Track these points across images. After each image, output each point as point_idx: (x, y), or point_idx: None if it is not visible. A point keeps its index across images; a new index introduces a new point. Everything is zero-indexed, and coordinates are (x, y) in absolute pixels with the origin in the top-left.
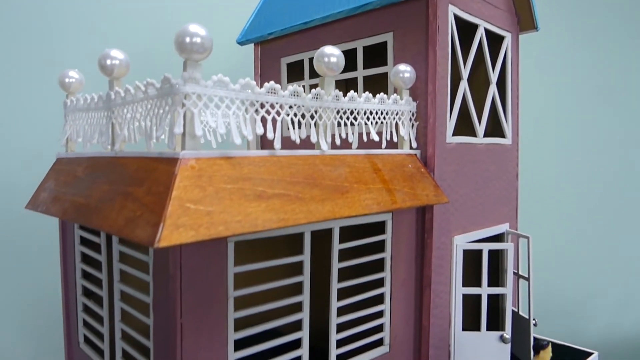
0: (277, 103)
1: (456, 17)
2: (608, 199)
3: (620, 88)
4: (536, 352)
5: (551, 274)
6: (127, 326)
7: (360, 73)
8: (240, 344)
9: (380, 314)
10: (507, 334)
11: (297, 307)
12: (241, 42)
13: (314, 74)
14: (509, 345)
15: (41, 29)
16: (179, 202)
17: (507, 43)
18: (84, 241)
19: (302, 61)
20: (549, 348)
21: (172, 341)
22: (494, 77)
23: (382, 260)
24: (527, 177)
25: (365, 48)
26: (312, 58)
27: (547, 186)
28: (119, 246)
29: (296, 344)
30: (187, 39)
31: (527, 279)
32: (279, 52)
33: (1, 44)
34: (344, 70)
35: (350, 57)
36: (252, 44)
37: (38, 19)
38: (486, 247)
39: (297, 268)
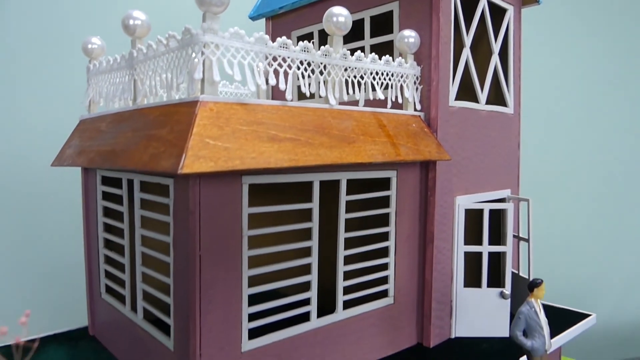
0: (288, 57)
1: None
2: (613, 184)
3: (626, 60)
4: (530, 290)
5: (557, 257)
6: (147, 268)
7: (368, 42)
8: (253, 281)
9: (385, 267)
10: (507, 290)
11: (307, 251)
12: (253, 17)
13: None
14: (508, 301)
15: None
16: (199, 138)
17: (509, 15)
18: (106, 196)
19: (311, 33)
20: (543, 285)
21: (192, 275)
22: (496, 47)
23: (387, 215)
24: (536, 159)
25: (372, 18)
26: (322, 30)
27: (552, 169)
28: (140, 194)
29: (306, 286)
30: None
31: (527, 241)
32: (289, 26)
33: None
34: (352, 40)
35: (357, 27)
36: (264, 19)
37: None
38: (487, 206)
39: (306, 215)
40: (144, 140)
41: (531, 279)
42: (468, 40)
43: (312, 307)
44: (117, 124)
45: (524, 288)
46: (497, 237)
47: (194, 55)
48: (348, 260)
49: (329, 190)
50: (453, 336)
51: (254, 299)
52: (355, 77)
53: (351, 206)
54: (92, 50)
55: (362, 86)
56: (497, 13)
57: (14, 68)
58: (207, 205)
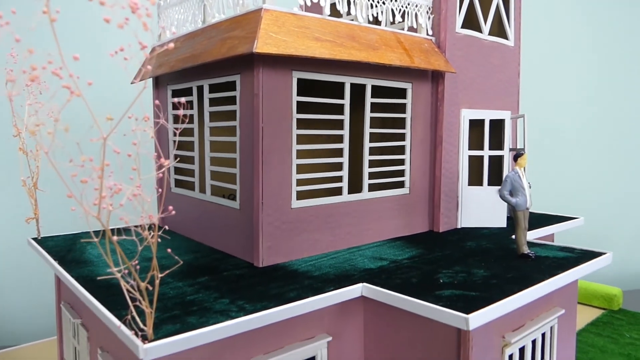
0: None
1: None
2: (621, 139)
3: None
4: (515, 160)
5: (568, 209)
6: (216, 153)
7: None
8: (299, 155)
9: (402, 162)
10: None
11: (339, 138)
12: None
13: None
14: None
15: None
16: (265, 32)
17: None
18: (175, 106)
19: None
20: (525, 156)
21: (256, 142)
22: None
23: (404, 119)
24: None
25: None
26: None
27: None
28: (210, 95)
29: (338, 166)
30: None
31: (523, 151)
32: None
33: None
34: None
35: None
36: None
37: None
38: (488, 116)
39: (339, 109)
40: (220, 42)
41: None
42: None
43: (344, 184)
44: (191, 40)
45: None
46: (497, 145)
47: None
48: (372, 151)
49: (358, 98)
50: (459, 226)
51: (300, 170)
52: (379, 1)
53: (375, 109)
54: None
55: (385, 10)
56: None
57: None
58: (267, 91)
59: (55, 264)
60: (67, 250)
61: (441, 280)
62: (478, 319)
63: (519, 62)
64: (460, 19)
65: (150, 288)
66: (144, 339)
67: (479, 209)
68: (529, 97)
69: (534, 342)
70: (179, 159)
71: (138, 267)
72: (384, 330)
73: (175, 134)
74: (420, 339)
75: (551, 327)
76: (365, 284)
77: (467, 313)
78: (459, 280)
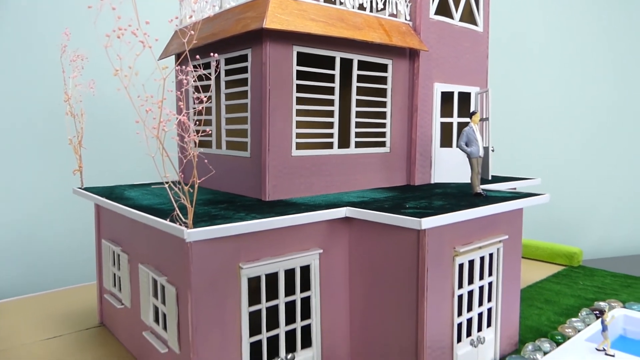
0: None
1: None
2: (599, 126)
3: None
4: (470, 117)
5: (550, 191)
6: (230, 114)
7: None
8: (299, 114)
9: (383, 125)
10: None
11: (331, 102)
12: None
13: None
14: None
15: None
16: (272, 13)
17: None
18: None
19: None
20: (477, 114)
21: (264, 102)
22: None
23: (385, 89)
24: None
25: None
26: None
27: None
28: (225, 66)
29: (330, 125)
30: None
31: (487, 119)
32: None
33: None
34: None
35: None
36: None
37: None
38: (457, 89)
39: (331, 79)
40: (234, 22)
41: (490, 147)
42: None
43: (334, 140)
44: (209, 22)
45: (485, 152)
46: (465, 113)
47: None
48: (358, 115)
49: (346, 70)
50: (432, 181)
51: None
52: None
53: (360, 80)
54: None
55: (370, 1)
56: None
57: None
58: (273, 61)
59: (103, 199)
60: (109, 193)
61: (407, 206)
62: (429, 222)
63: (487, 45)
64: (433, 7)
65: (191, 190)
66: (187, 227)
67: (450, 167)
68: (511, 77)
69: (482, 259)
70: (201, 122)
71: (182, 174)
72: (364, 244)
73: (195, 102)
74: (391, 247)
75: (497, 249)
76: (348, 207)
77: (421, 218)
78: (421, 206)
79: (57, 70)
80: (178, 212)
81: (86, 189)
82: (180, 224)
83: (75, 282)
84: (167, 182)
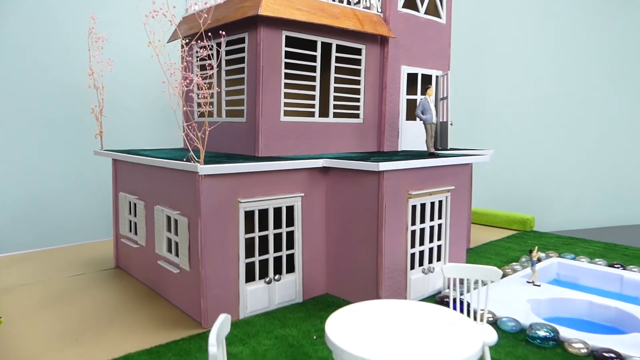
0: None
1: None
2: (563, 116)
3: None
4: (425, 92)
5: (517, 177)
6: (230, 87)
7: None
8: (285, 87)
9: (358, 99)
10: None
11: (313, 78)
12: None
13: None
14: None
15: None
16: (266, 3)
17: None
18: (202, 59)
19: None
20: (432, 87)
21: (258, 76)
22: None
23: (359, 70)
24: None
25: None
26: None
27: (510, 104)
28: (226, 48)
29: (312, 97)
30: None
31: (446, 98)
32: None
33: None
34: None
35: None
36: None
37: None
38: (420, 71)
39: (313, 59)
40: (234, 10)
41: (449, 122)
42: None
43: (316, 110)
44: (214, 11)
45: (445, 127)
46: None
47: None
48: (336, 90)
49: (326, 53)
50: (399, 149)
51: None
52: None
53: (338, 61)
54: None
55: None
56: None
57: None
58: (266, 42)
59: (123, 155)
60: (127, 152)
61: (372, 159)
62: (385, 166)
63: (450, 35)
64: (401, 0)
65: (203, 137)
66: (199, 164)
67: (414, 136)
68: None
69: (432, 204)
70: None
71: (195, 124)
72: (337, 188)
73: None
74: (358, 190)
75: (445, 197)
76: (325, 158)
77: (379, 162)
78: (384, 159)
79: (75, 48)
80: (192, 154)
81: (106, 150)
82: (195, 162)
83: (92, 239)
84: (184, 132)
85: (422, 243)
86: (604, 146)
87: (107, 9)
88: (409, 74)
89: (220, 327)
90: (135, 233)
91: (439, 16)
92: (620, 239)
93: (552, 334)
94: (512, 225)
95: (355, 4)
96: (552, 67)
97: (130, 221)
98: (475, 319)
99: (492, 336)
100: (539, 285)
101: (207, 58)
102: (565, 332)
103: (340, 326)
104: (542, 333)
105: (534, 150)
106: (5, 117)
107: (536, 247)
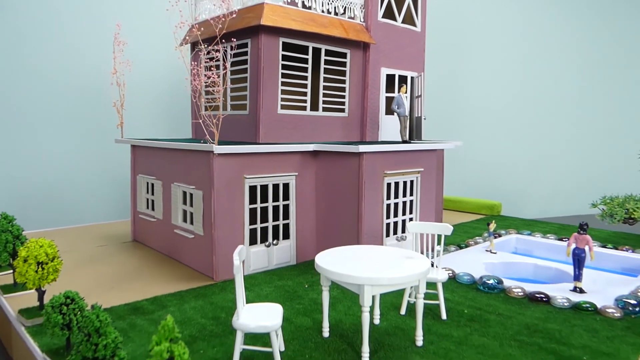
0: None
1: None
2: (542, 113)
3: None
4: (399, 89)
5: (495, 171)
6: (234, 84)
7: None
8: (282, 85)
9: (344, 97)
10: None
11: (305, 78)
12: None
13: None
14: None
15: None
16: (266, 14)
17: None
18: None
19: None
20: (405, 86)
21: (259, 77)
22: None
23: (345, 71)
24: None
25: None
26: None
27: (489, 101)
28: (231, 52)
29: (304, 93)
30: None
31: (420, 96)
32: None
33: None
34: None
35: None
36: None
37: None
38: (398, 73)
39: (305, 61)
40: (239, 19)
41: (422, 117)
42: None
43: (307, 104)
44: (220, 19)
45: (419, 122)
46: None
47: None
48: (325, 88)
49: (317, 56)
50: (379, 139)
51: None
52: (332, 1)
53: (327, 63)
54: None
55: (334, 6)
56: None
57: None
58: (265, 47)
59: (144, 141)
60: (144, 140)
61: (353, 143)
62: (364, 148)
63: (424, 41)
64: (381, 12)
65: (217, 122)
66: (214, 144)
67: (392, 129)
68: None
69: (404, 182)
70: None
71: (211, 114)
72: (325, 168)
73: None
74: (342, 169)
75: (416, 177)
76: (316, 143)
77: (359, 146)
78: (366, 145)
79: (95, 49)
80: (209, 136)
81: (127, 139)
82: (211, 143)
83: (107, 220)
84: (202, 120)
85: (395, 215)
86: (571, 144)
87: (127, 17)
88: (387, 75)
89: (239, 251)
90: (153, 209)
91: (414, 25)
92: (576, 222)
93: (497, 283)
94: (481, 210)
95: (341, 14)
96: (523, 69)
97: (148, 199)
98: (432, 265)
99: (443, 275)
100: (495, 253)
101: (223, 59)
102: (508, 282)
103: (326, 257)
104: (489, 282)
105: (507, 147)
106: (37, 113)
107: (493, 221)
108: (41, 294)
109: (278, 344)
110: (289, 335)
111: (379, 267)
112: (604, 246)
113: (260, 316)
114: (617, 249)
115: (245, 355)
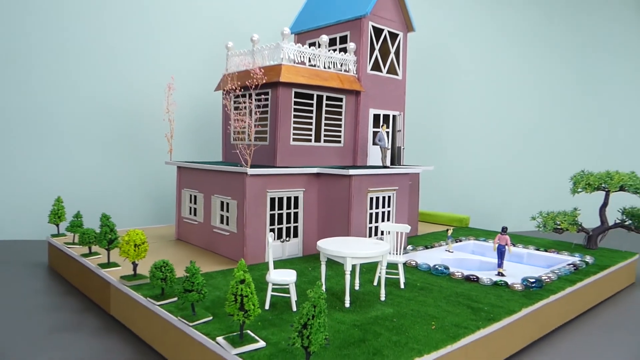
0: (305, 51)
1: None
2: (513, 138)
3: None
4: (381, 126)
5: (477, 187)
6: (258, 122)
7: (338, 46)
8: (294, 123)
9: (340, 131)
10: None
11: (310, 118)
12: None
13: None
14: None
15: None
16: (283, 73)
17: (399, 39)
18: (236, 102)
19: (315, 41)
20: (384, 125)
21: (277, 117)
22: (392, 49)
23: (341, 112)
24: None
25: (339, 38)
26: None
27: (467, 124)
28: (256, 97)
29: (310, 129)
30: None
31: (400, 131)
32: (305, 37)
33: None
34: (332, 45)
35: (333, 40)
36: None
37: None
38: (382, 112)
39: (311, 105)
40: (262, 74)
41: (402, 145)
42: (377, 48)
43: (312, 137)
44: (247, 74)
45: (400, 151)
46: (388, 126)
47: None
48: (327, 124)
49: (319, 101)
50: (367, 164)
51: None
52: (331, 59)
53: (327, 106)
54: (228, 47)
55: (333, 63)
56: (393, 37)
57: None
58: (282, 96)
59: (187, 164)
60: (190, 163)
61: (345, 168)
62: (353, 172)
63: (405, 86)
64: (369, 65)
65: (250, 152)
66: (248, 169)
67: (377, 156)
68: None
69: (384, 197)
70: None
71: (246, 145)
72: (325, 186)
73: (255, 112)
74: (337, 187)
75: (393, 194)
76: (318, 168)
77: (349, 170)
78: (354, 168)
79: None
80: (244, 162)
81: (174, 161)
82: (244, 167)
83: (155, 224)
84: (237, 150)
85: (376, 221)
86: (540, 164)
87: (175, 62)
88: (374, 114)
89: (270, 236)
90: (195, 214)
91: (396, 74)
92: (527, 233)
93: (445, 269)
94: (452, 222)
95: (337, 69)
96: (494, 100)
97: (190, 207)
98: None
99: (402, 258)
100: (452, 252)
101: (259, 105)
102: (453, 269)
103: (324, 242)
104: (439, 268)
105: (477, 169)
106: (98, 138)
107: (451, 228)
108: (135, 266)
109: (293, 293)
110: (298, 295)
111: (357, 247)
112: (537, 249)
113: (283, 275)
114: (546, 251)
115: (273, 301)
